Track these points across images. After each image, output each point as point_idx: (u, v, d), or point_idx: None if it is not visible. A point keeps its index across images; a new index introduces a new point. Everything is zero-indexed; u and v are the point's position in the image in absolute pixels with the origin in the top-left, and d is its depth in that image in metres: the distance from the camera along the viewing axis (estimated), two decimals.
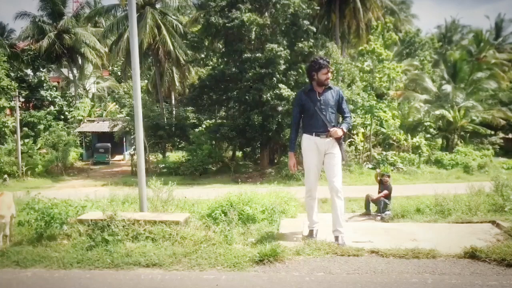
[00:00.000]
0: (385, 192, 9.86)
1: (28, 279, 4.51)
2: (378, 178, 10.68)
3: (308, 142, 5.41)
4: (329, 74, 5.38)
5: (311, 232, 5.61)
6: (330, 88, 5.44)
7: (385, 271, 4.37)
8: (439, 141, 31.50)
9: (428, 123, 30.95)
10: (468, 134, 31.36)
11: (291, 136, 5.64)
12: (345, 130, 5.32)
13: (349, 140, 29.57)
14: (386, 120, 27.56)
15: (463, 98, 30.28)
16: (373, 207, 10.22)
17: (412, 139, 28.10)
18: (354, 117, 27.69)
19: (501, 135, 32.06)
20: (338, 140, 5.31)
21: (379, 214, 9.33)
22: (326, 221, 6.53)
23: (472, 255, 4.66)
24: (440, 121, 30.84)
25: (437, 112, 29.31)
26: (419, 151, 26.98)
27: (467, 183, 10.19)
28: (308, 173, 5.49)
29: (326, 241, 5.20)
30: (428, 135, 30.67)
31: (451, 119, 29.21)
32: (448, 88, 30.85)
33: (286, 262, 4.67)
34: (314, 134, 5.36)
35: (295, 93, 23.91)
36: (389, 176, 10.81)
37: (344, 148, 5.56)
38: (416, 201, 8.44)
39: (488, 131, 30.11)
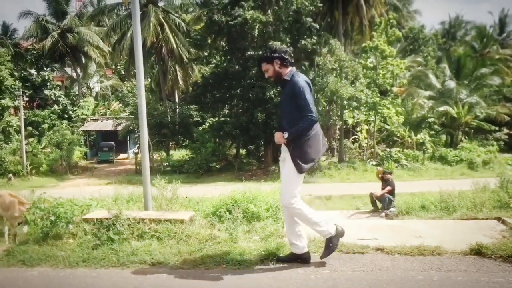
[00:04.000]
0: (388, 188, 9.85)
1: (34, 278, 4.52)
2: (380, 175, 10.68)
3: None
4: (266, 71, 4.56)
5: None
6: (287, 80, 4.45)
7: (390, 269, 4.35)
8: (443, 137, 31.45)
9: (432, 120, 30.86)
10: (472, 130, 31.25)
11: None
12: (285, 137, 4.28)
13: (353, 137, 29.57)
14: (390, 116, 27.51)
15: (467, 94, 30.18)
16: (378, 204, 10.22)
17: (416, 135, 28.04)
18: (357, 114, 27.65)
19: (506, 131, 31.90)
20: (287, 146, 4.39)
21: (383, 211, 9.33)
22: (331, 219, 6.51)
23: (478, 252, 4.64)
24: (444, 118, 30.76)
25: (441, 108, 29.23)
26: (423, 147, 26.93)
27: (472, 180, 10.15)
28: None
29: None
30: (432, 132, 30.60)
31: (455, 115, 29.13)
32: (451, 84, 30.75)
33: None
34: None
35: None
36: (390, 173, 10.80)
37: (301, 156, 4.31)
38: (421, 198, 8.43)
39: (493, 127, 29.99)
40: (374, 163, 25.60)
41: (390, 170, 11.74)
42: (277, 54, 4.45)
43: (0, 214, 6.73)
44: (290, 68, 4.50)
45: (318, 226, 4.45)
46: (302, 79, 4.37)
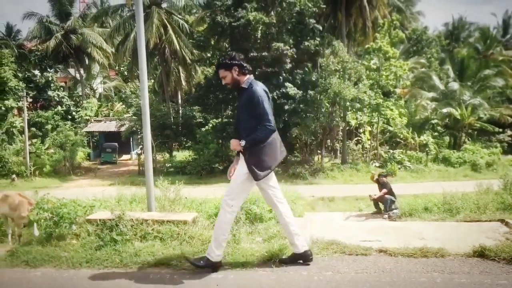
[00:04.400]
0: (384, 190, 9.83)
1: (37, 278, 4.53)
2: (375, 178, 10.67)
3: None
4: (223, 78, 4.52)
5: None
6: (244, 88, 4.45)
7: (393, 270, 4.35)
8: (447, 139, 31.36)
9: (435, 121, 30.79)
10: (476, 132, 31.19)
11: None
12: (242, 144, 4.27)
13: (356, 139, 29.55)
14: (393, 118, 27.48)
15: (470, 96, 30.11)
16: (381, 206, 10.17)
17: (419, 137, 27.99)
18: (360, 115, 27.61)
19: (509, 132, 31.80)
20: (243, 154, 4.35)
21: (386, 213, 9.31)
22: (333, 220, 6.52)
23: (481, 254, 4.64)
24: (447, 119, 30.69)
25: (445, 110, 29.17)
26: (427, 149, 26.88)
27: (475, 181, 10.13)
28: None
29: (334, 240, 5.19)
30: (435, 133, 30.53)
31: (459, 117, 29.06)
32: (455, 85, 30.68)
33: None
34: None
35: (301, 91, 23.94)
36: (386, 176, 10.78)
37: (257, 164, 4.29)
38: (424, 200, 8.40)
39: (496, 129, 29.92)
40: (377, 164, 25.56)
41: (385, 173, 11.72)
42: (236, 62, 4.43)
43: (8, 214, 6.78)
44: (248, 76, 4.49)
45: (216, 243, 4.41)
46: (260, 88, 4.38)
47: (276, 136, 4.46)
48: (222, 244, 4.45)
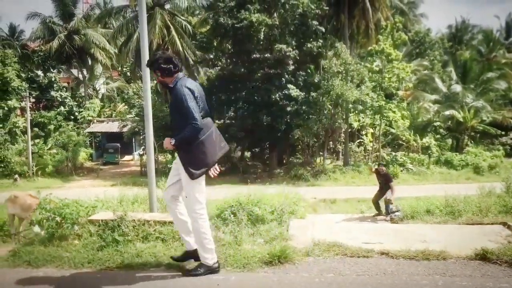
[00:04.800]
0: (392, 185, 9.81)
1: (39, 278, 4.53)
2: (374, 169, 10.66)
3: None
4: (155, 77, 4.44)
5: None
6: (172, 88, 4.30)
7: (395, 273, 4.34)
8: (449, 141, 31.30)
9: (438, 124, 30.75)
10: (478, 135, 31.14)
11: None
12: (172, 143, 4.15)
13: (358, 141, 29.53)
14: (395, 120, 27.45)
15: (473, 98, 30.07)
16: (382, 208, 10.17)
17: (421, 139, 27.95)
18: (363, 117, 27.59)
19: None
20: (177, 152, 4.29)
21: (388, 215, 9.30)
22: (335, 222, 6.52)
23: (483, 257, 4.63)
24: (450, 122, 30.66)
25: (447, 112, 29.14)
26: (429, 151, 26.83)
27: (477, 184, 10.10)
28: None
29: (336, 242, 5.19)
30: (438, 136, 30.49)
31: (461, 120, 29.03)
32: (457, 88, 30.65)
33: (295, 263, 4.66)
34: None
35: (304, 93, 23.94)
36: (384, 165, 10.80)
37: (192, 162, 4.17)
38: (426, 202, 8.38)
39: (499, 132, 29.88)
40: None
41: (384, 162, 11.79)
42: (155, 66, 4.29)
43: (18, 214, 6.80)
44: (175, 75, 4.31)
45: (202, 249, 4.37)
46: (184, 87, 4.18)
47: (214, 130, 4.33)
48: (209, 247, 4.40)
